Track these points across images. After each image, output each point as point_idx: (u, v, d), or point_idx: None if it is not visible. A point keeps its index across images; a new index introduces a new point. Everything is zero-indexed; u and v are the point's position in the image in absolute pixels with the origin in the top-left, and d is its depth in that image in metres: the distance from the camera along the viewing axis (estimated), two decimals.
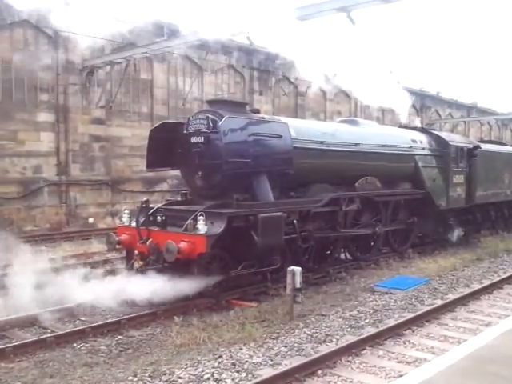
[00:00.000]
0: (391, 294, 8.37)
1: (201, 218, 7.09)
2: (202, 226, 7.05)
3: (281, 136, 8.54)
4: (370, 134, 10.85)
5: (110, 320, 6.88)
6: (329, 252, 9.96)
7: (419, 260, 11.29)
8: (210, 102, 8.85)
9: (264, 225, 7.55)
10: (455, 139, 13.52)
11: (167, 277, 7.03)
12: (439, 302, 7.77)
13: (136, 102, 17.77)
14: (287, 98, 22.77)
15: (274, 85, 21.96)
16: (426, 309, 7.36)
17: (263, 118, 8.76)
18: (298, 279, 6.83)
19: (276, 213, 7.85)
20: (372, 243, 10.96)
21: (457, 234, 12.96)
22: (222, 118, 7.85)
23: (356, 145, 10.18)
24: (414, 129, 13.29)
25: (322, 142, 9.40)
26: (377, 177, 10.62)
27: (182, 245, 6.97)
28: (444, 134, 13.62)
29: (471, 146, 13.55)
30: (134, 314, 6.99)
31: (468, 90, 55.93)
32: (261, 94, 21.18)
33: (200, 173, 8.08)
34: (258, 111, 9.12)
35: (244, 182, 7.98)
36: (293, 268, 6.90)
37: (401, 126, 13.53)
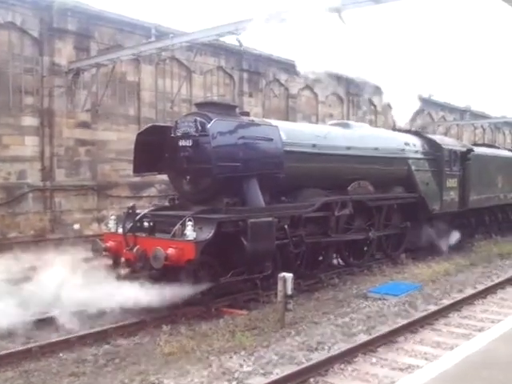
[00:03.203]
0: (384, 300, 8.42)
1: (189, 223, 7.09)
2: (190, 232, 7.06)
3: (271, 139, 8.58)
4: (362, 137, 10.94)
5: (96, 329, 6.85)
6: (321, 258, 10.00)
7: (413, 265, 11.38)
8: (199, 105, 8.88)
9: (254, 230, 7.57)
10: (448, 142, 13.66)
11: (155, 284, 7.02)
12: (432, 308, 7.84)
13: (123, 104, 17.72)
14: (278, 101, 22.83)
15: (265, 87, 22.03)
16: (419, 315, 7.42)
17: (253, 120, 8.81)
18: (290, 286, 6.85)
19: (266, 218, 7.88)
20: (365, 248, 11.02)
21: (451, 238, 13.07)
22: (211, 120, 7.87)
23: (348, 148, 10.25)
24: (407, 132, 13.44)
25: (314, 146, 9.46)
26: (369, 181, 10.71)
27: (170, 251, 6.96)
28: (437, 138, 13.79)
29: (465, 150, 13.70)
30: (121, 323, 6.98)
31: (461, 93, 56.51)
32: (251, 96, 21.21)
33: (188, 177, 8.10)
34: (247, 114, 9.20)
35: (234, 186, 8.00)
36: (284, 274, 6.92)
37: (394, 129, 13.67)
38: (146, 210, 8.44)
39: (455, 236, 13.29)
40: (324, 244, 9.67)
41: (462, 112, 34.61)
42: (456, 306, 8.01)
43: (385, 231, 11.29)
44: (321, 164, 9.57)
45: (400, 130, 13.36)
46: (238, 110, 8.95)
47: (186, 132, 8.07)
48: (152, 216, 8.06)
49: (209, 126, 7.83)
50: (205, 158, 7.86)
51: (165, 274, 7.22)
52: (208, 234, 7.14)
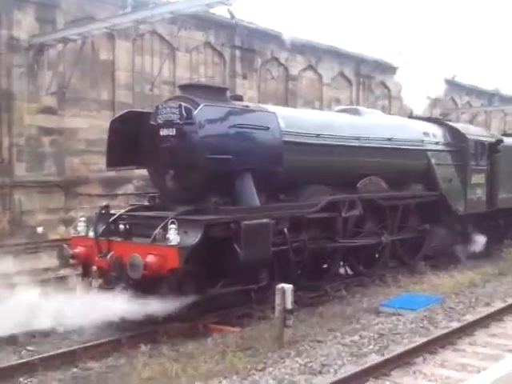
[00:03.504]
0: (399, 315, 8.46)
1: (172, 226, 7.11)
2: (173, 236, 7.07)
3: (268, 128, 8.62)
4: (374, 126, 10.99)
5: (62, 350, 6.84)
6: (326, 266, 10.05)
7: (432, 275, 11.44)
8: (184, 88, 8.90)
9: (248, 234, 7.61)
10: (474, 132, 13.75)
11: (132, 297, 7.03)
12: (455, 325, 7.88)
13: (94, 87, 17.68)
14: (276, 83, 22.86)
15: (261, 67, 22.03)
16: (440, 332, 7.45)
17: (247, 106, 8.85)
18: (289, 299, 6.89)
19: (262, 220, 7.91)
20: (377, 255, 11.09)
21: (476, 244, 13.17)
22: (198, 106, 7.88)
23: (358, 138, 10.29)
24: (427, 120, 13.48)
25: (318, 135, 9.49)
26: (382, 176, 10.77)
27: (150, 259, 6.97)
28: (461, 126, 13.86)
29: (493, 141, 13.78)
30: (93, 343, 6.97)
31: (490, 74, 56.58)
32: (244, 77, 21.21)
33: (171, 172, 8.11)
34: (240, 98, 9.20)
35: (224, 182, 8.03)
36: (282, 286, 6.95)
37: (411, 117, 13.72)
38: (121, 211, 8.46)
39: (482, 241, 13.37)
40: (329, 250, 9.71)
41: (491, 96, 34.67)
42: (483, 323, 8.05)
43: (400, 235, 11.33)
44: (325, 157, 9.61)
45: (418, 118, 13.41)
46: (229, 94, 8.95)
47: (168, 119, 8.08)
48: (129, 217, 8.07)
49: (195, 112, 7.83)
50: (190, 149, 7.88)
51: (144, 285, 7.21)
52: (194, 238, 7.16)
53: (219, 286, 7.67)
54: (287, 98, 23.05)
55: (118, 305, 6.99)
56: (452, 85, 29.73)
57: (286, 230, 8.53)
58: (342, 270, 10.76)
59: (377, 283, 10.61)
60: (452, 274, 11.58)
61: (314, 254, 9.29)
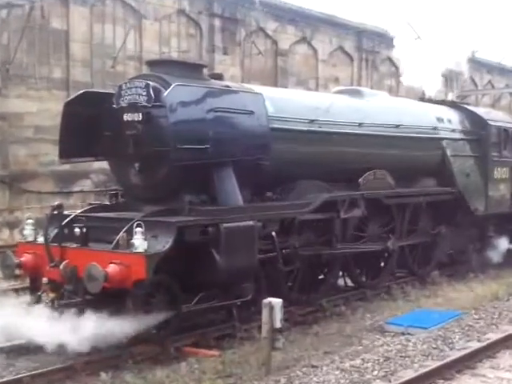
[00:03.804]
0: (409, 334, 8.51)
1: (138, 229, 7.07)
2: (139, 242, 7.03)
3: (253, 112, 8.62)
4: (379, 110, 11.04)
5: (6, 378, 6.73)
6: (322, 277, 10.08)
7: (448, 286, 11.55)
8: (152, 64, 8.88)
9: (229, 239, 7.63)
10: (497, 118, 13.88)
11: (90, 315, 6.97)
12: (475, 345, 7.90)
13: (45, 62, 17.54)
14: (263, 59, 22.88)
15: (245, 39, 22.02)
16: (457, 355, 7.46)
17: (228, 86, 8.84)
18: (278, 316, 6.91)
19: (246, 221, 7.94)
20: (382, 264, 11.14)
21: (500, 249, 13.32)
22: (169, 86, 7.85)
23: (360, 125, 10.34)
24: (441, 103, 13.57)
25: (312, 121, 9.51)
26: (388, 170, 10.79)
27: (112, 268, 6.92)
28: (482, 111, 13.98)
29: None
30: (42, 370, 6.89)
31: None
32: (225, 52, 21.20)
33: (137, 165, 8.07)
34: (220, 77, 9.19)
35: (200, 177, 8.03)
36: (270, 300, 6.97)
37: (422, 99, 13.79)
38: (77, 212, 8.40)
39: (506, 246, 13.55)
40: (326, 258, 9.73)
41: None
42: (507, 343, 8.09)
43: (410, 240, 11.40)
44: (321, 147, 9.63)
45: (431, 101, 13.49)
46: (206, 72, 8.94)
47: (133, 102, 8.01)
48: (86, 219, 8.00)
49: (165, 93, 7.80)
50: (160, 138, 7.86)
51: (104, 300, 7.18)
52: (165, 244, 7.15)
53: (195, 301, 7.63)
54: (276, 77, 23.10)
55: (73, 324, 6.94)
56: (471, 62, 29.90)
57: (274, 233, 8.53)
58: (340, 282, 10.80)
59: (382, 297, 10.66)
60: (471, 285, 11.70)
61: (307, 263, 9.31)
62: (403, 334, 8.54)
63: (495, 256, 13.28)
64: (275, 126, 8.89)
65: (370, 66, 26.15)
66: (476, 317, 9.43)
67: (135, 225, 7.13)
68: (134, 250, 7.02)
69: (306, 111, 9.57)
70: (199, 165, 7.94)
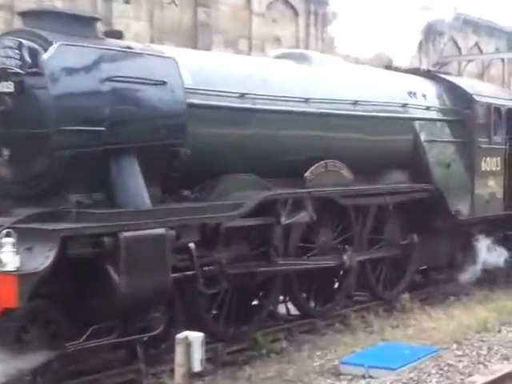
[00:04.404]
0: (371, 377, 8.66)
1: (8, 240, 7.00)
2: (9, 257, 6.95)
3: (164, 83, 8.65)
4: (332, 82, 11.27)
5: None
6: (256, 303, 10.22)
7: (422, 314, 11.80)
8: (28, 15, 8.74)
9: (131, 253, 7.64)
10: (486, 91, 14.26)
11: None
12: None
13: None
14: (178, 11, 22.88)
15: None
16: None
17: (130, 47, 8.81)
18: (198, 355, 6.95)
19: (155, 229, 7.98)
20: (336, 285, 11.35)
21: (489, 263, 13.65)
22: (50, 46, 7.81)
23: (306, 100, 10.53)
24: (414, 72, 13.90)
25: (243, 96, 9.66)
26: (345, 160, 11.02)
27: None
28: (466, 83, 14.38)
29: None
30: None
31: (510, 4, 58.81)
32: (127, 1, 21.16)
33: (6, 152, 8.01)
34: (120, 35, 9.16)
35: (93, 170, 8.03)
36: (187, 335, 7.02)
37: (389, 68, 14.04)
38: None
39: (497, 259, 13.87)
40: (262, 277, 9.87)
41: (510, 36, 35.69)
42: None
43: (372, 253, 11.72)
44: (256, 129, 9.78)
45: (400, 70, 13.78)
46: (101, 28, 8.98)
47: (1, 67, 7.95)
48: None
49: (46, 56, 7.76)
50: (37, 116, 7.81)
51: None
52: (44, 260, 7.07)
53: (86, 335, 7.60)
54: (196, 36, 23.06)
55: None
56: (453, 19, 30.50)
57: (192, 245, 8.59)
58: (282, 309, 10.97)
59: (336, 328, 10.88)
60: (451, 311, 11.93)
61: (237, 284, 9.44)
62: (364, 377, 8.66)
63: (484, 272, 13.64)
64: (194, 101, 8.94)
65: (321, 23, 26.26)
66: (458, 353, 9.57)
67: (3, 234, 7.04)
68: (1, 269, 6.93)
69: (236, 82, 9.69)
70: (91, 153, 7.93)
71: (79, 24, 8.56)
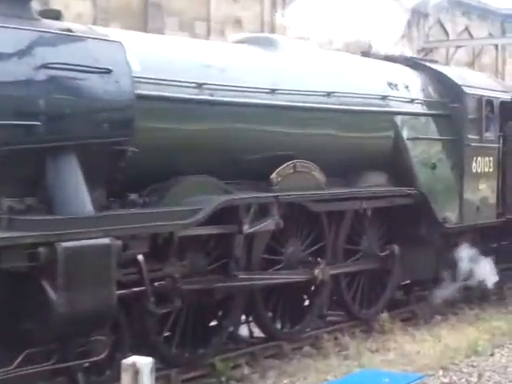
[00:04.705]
0: None
1: None
2: None
3: (109, 71, 8.65)
4: (302, 70, 11.42)
5: None
6: (215, 323, 10.33)
7: (404, 335, 12.02)
8: None
9: (71, 266, 7.64)
10: (477, 83, 14.50)
11: None
12: None
13: None
14: None
15: None
16: None
17: (70, 30, 8.80)
18: (147, 383, 6.91)
19: (99, 239, 8.02)
20: (307, 302, 11.53)
21: (480, 278, 13.88)
22: None
23: (273, 92, 10.69)
24: (395, 60, 14.11)
25: (200, 86, 9.78)
26: (316, 160, 11.18)
27: None
28: (455, 73, 14.61)
29: (509, 98, 14.70)
30: None
31: None
32: None
33: None
34: (58, 15, 9.17)
35: (27, 171, 8.08)
36: (135, 360, 6.94)
37: (365, 54, 14.28)
38: None
39: (489, 274, 14.06)
40: (222, 294, 9.98)
41: (504, 19, 35.92)
42: None
43: (348, 266, 11.90)
44: (214, 124, 9.89)
45: (380, 57, 14.01)
46: (36, 8, 8.85)
47: None
48: None
49: None
50: None
51: None
52: None
53: (18, 361, 7.57)
54: (147, 17, 23.04)
55: None
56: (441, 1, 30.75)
57: (141, 257, 8.65)
58: (244, 331, 11.13)
59: (306, 352, 11.04)
60: (438, 333, 12.18)
61: (193, 302, 9.56)
62: None
63: (474, 287, 13.91)
64: (143, 92, 8.98)
65: (284, 2, 26.19)
66: (445, 381, 9.80)
67: None
68: None
69: (192, 71, 9.78)
70: (24, 151, 7.91)
71: (9, 2, 8.42)
